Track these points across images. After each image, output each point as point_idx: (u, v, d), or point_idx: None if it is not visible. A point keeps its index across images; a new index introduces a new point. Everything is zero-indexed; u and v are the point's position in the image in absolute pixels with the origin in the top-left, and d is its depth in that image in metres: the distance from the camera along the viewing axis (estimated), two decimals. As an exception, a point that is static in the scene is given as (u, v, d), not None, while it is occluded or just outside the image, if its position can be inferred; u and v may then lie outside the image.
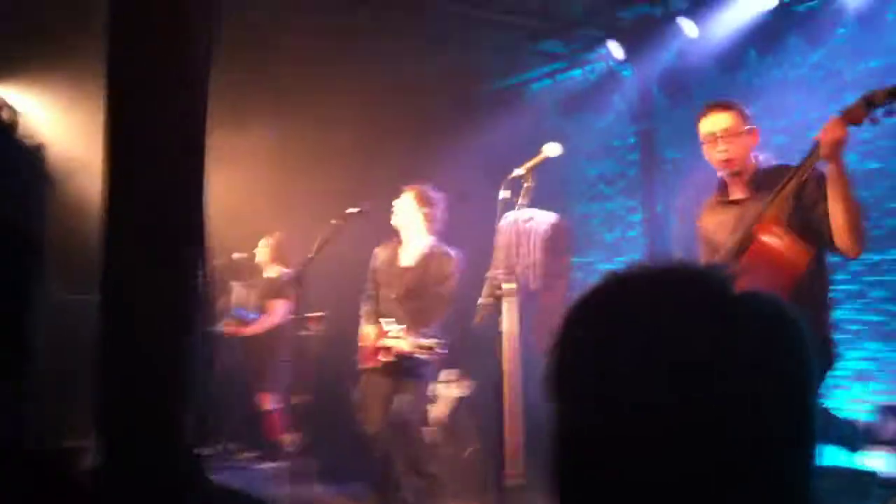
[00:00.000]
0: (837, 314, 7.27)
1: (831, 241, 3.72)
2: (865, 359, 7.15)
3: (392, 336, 5.72)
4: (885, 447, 6.42)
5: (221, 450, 8.04)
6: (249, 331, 7.62)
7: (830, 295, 4.00)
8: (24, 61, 7.84)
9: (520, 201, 4.14)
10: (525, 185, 4.15)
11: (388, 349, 5.76)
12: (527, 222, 7.61)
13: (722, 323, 0.90)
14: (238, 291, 7.78)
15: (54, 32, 7.81)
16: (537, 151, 4.20)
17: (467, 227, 7.22)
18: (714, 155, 4.02)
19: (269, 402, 7.76)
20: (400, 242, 6.06)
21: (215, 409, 7.38)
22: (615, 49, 7.77)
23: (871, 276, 7.13)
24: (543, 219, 7.72)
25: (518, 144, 7.17)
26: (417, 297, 5.90)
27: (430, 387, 8.51)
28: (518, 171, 4.14)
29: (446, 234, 6.17)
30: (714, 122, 4.03)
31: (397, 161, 6.23)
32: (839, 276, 7.30)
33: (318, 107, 8.94)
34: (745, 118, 4.03)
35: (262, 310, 7.75)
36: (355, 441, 6.50)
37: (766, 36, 7.04)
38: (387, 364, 5.83)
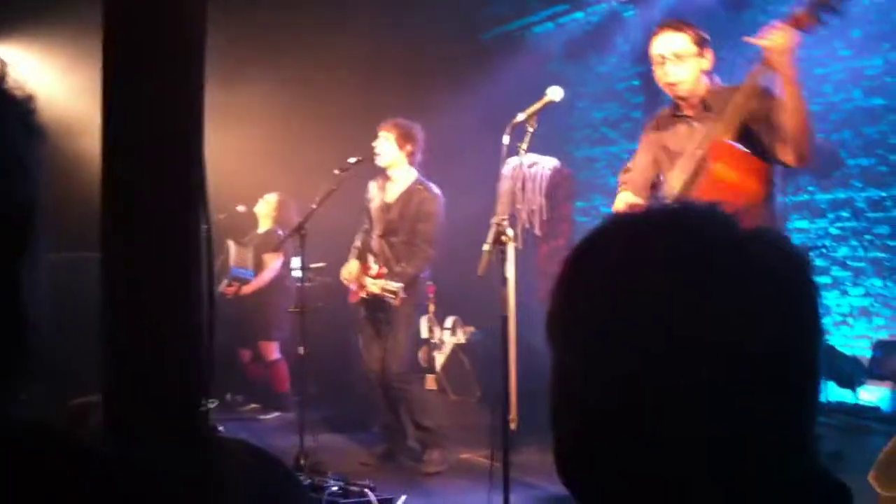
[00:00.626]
0: (841, 251, 7.31)
1: (780, 153, 3.62)
2: (868, 295, 7.16)
3: (369, 278, 5.80)
4: (886, 382, 6.47)
5: (227, 401, 8.12)
6: (248, 289, 7.65)
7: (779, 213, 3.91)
8: (22, 20, 7.76)
9: (523, 147, 4.10)
10: (528, 130, 4.10)
11: (365, 288, 5.85)
12: (530, 167, 7.59)
13: (729, 263, 0.88)
14: (235, 250, 7.78)
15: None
16: (540, 96, 4.15)
17: (471, 173, 7.20)
18: (660, 76, 3.89)
19: (273, 353, 7.81)
20: (388, 178, 6.08)
21: (219, 362, 7.43)
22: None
23: (875, 213, 7.11)
24: (547, 164, 7.69)
25: (521, 89, 7.10)
26: (397, 233, 5.93)
27: (435, 333, 8.58)
28: (521, 116, 4.09)
29: (429, 163, 6.17)
30: (663, 43, 3.88)
31: (398, 110, 6.17)
32: (843, 213, 7.31)
33: (316, 57, 8.85)
34: (697, 41, 3.88)
35: (258, 266, 7.77)
36: (362, 389, 6.56)
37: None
38: (365, 301, 5.93)
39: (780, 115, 3.57)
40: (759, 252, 0.90)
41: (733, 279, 0.87)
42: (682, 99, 3.91)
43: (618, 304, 0.89)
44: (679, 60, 3.85)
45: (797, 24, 3.53)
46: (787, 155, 3.61)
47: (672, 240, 0.91)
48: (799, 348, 0.89)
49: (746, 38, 3.70)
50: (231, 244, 7.77)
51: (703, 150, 3.71)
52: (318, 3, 8.22)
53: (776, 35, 3.53)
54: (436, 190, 5.97)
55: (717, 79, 3.96)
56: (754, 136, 3.72)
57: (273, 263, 7.66)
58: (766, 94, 3.69)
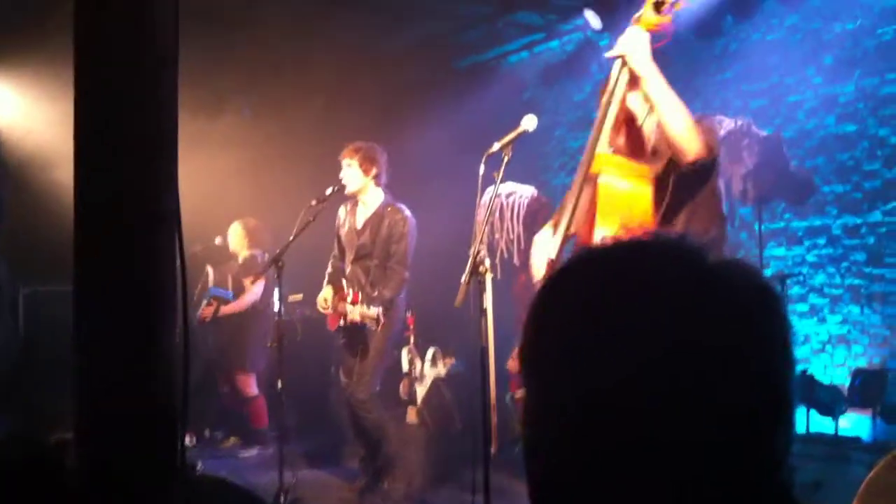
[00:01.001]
0: (818, 278, 7.35)
1: (672, 152, 3.52)
2: (846, 322, 7.18)
3: (348, 306, 5.76)
4: (867, 411, 6.47)
5: (206, 437, 8.01)
6: (228, 309, 7.55)
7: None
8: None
9: (499, 176, 4.09)
10: (504, 158, 4.10)
11: (343, 315, 5.81)
12: (508, 196, 7.59)
13: (695, 297, 0.88)
14: (215, 274, 7.72)
15: (26, 22, 7.71)
16: (516, 125, 4.15)
17: (447, 202, 7.19)
18: None
19: (251, 388, 7.71)
20: (357, 203, 6.07)
21: (198, 395, 7.34)
22: (592, 18, 7.72)
23: (851, 240, 7.15)
24: (524, 192, 7.69)
25: (496, 118, 7.13)
26: (370, 257, 5.90)
27: (416, 365, 8.52)
28: (496, 146, 4.09)
29: (404, 192, 6.16)
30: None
31: (374, 138, 6.17)
32: (819, 240, 7.35)
33: (292, 84, 8.86)
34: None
35: (238, 290, 7.70)
36: (341, 422, 6.49)
37: (742, 0, 7.01)
38: (344, 329, 5.89)
39: (658, 112, 3.52)
40: (728, 283, 0.90)
41: (701, 311, 0.87)
42: None
43: (589, 335, 0.90)
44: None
45: (643, 23, 3.55)
46: (678, 148, 3.49)
47: (640, 270, 0.91)
48: (769, 377, 0.89)
49: (606, 55, 3.67)
50: (210, 269, 7.70)
51: (584, 168, 3.64)
52: (294, 32, 8.21)
53: (624, 39, 3.55)
54: (406, 211, 5.95)
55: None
56: (640, 142, 3.72)
57: (254, 288, 7.57)
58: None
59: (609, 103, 3.65)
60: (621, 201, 3.59)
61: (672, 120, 3.48)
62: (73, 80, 1.75)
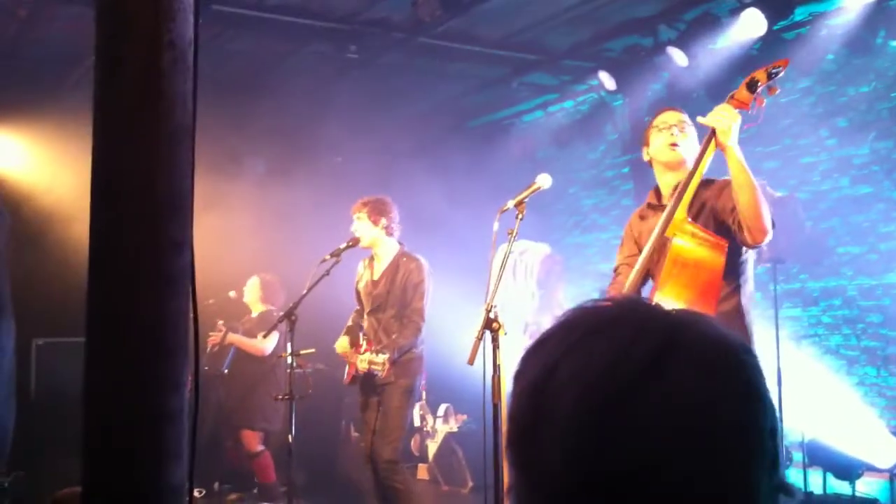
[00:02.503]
0: (834, 340, 7.30)
1: (739, 233, 3.66)
2: (862, 384, 7.12)
3: (358, 355, 5.74)
4: (884, 474, 6.38)
5: (215, 490, 7.95)
6: (235, 339, 7.54)
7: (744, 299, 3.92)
8: (11, 109, 7.88)
9: (514, 233, 4.11)
10: (518, 216, 4.12)
11: (355, 365, 5.80)
12: (521, 254, 7.60)
13: (657, 368, 0.88)
14: (226, 327, 7.73)
15: (42, 81, 7.88)
16: (530, 183, 4.18)
17: (462, 259, 7.21)
18: (665, 139, 4.01)
19: (256, 445, 7.66)
20: (374, 257, 6.10)
21: (207, 449, 7.30)
22: (606, 79, 7.81)
23: (866, 301, 7.11)
24: (537, 250, 7.70)
25: (511, 176, 7.18)
26: (386, 307, 5.90)
27: (427, 421, 8.48)
28: (510, 203, 4.12)
29: (407, 240, 6.19)
30: (672, 116, 4.09)
31: (390, 196, 6.22)
32: (835, 301, 7.31)
33: (307, 144, 8.98)
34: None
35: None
36: (351, 479, 6.44)
37: (756, 63, 7.06)
38: (359, 383, 5.86)
39: (737, 191, 3.63)
40: (692, 358, 0.89)
41: (634, 412, 0.86)
42: (674, 168, 3.96)
43: (550, 401, 0.90)
44: (682, 133, 4.00)
45: (738, 103, 3.71)
46: (742, 232, 3.64)
47: (601, 340, 0.91)
48: (722, 468, 0.87)
49: (699, 119, 3.81)
50: (221, 323, 7.70)
51: (661, 230, 3.77)
52: (309, 94, 8.34)
53: (720, 114, 3.67)
54: (422, 260, 5.98)
55: None
56: (712, 216, 3.82)
57: (268, 345, 7.57)
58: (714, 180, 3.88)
59: (694, 173, 3.76)
60: (694, 268, 3.64)
61: (750, 201, 3.59)
62: (91, 142, 1.78)
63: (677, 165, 4.00)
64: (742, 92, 3.73)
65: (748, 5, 6.47)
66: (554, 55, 8.16)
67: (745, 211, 3.60)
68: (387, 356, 5.55)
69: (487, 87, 9.16)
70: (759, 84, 3.72)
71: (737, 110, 3.68)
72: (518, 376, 0.97)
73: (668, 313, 0.95)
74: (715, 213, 3.82)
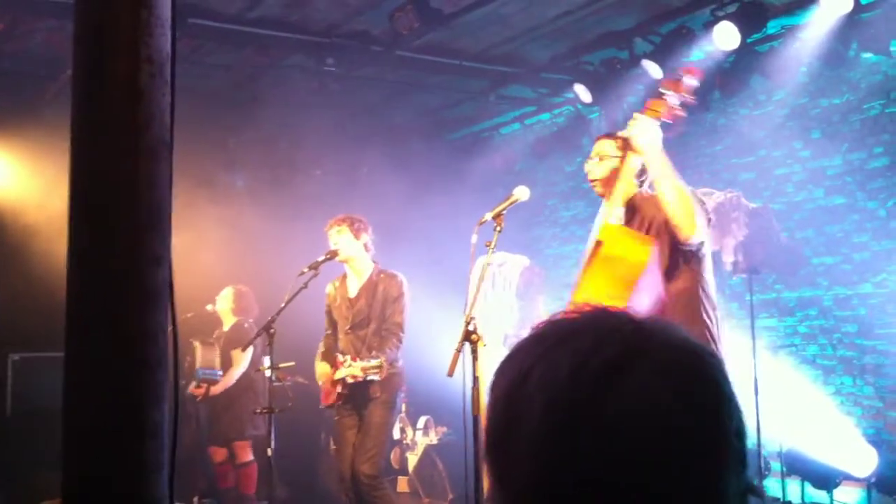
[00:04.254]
0: (810, 350, 7.36)
1: (671, 231, 3.82)
2: (838, 394, 7.17)
3: (344, 367, 5.68)
4: (862, 483, 6.42)
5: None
6: (217, 389, 7.49)
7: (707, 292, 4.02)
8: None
9: (492, 245, 4.13)
10: (496, 228, 4.14)
11: (343, 382, 5.73)
12: (500, 266, 7.62)
13: (618, 374, 0.89)
14: (201, 351, 7.66)
15: (20, 95, 7.84)
16: (508, 195, 4.21)
17: (441, 271, 7.22)
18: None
19: (247, 455, 7.62)
20: (346, 275, 6.09)
21: (187, 464, 7.26)
22: (582, 92, 7.86)
23: (842, 311, 7.17)
24: (516, 262, 7.73)
25: (489, 188, 7.20)
26: (367, 323, 5.90)
27: (407, 433, 8.47)
28: (488, 215, 4.14)
29: (385, 253, 6.22)
30: (594, 147, 4.27)
31: (366, 208, 6.23)
32: (811, 311, 7.37)
33: (286, 156, 8.97)
34: (622, 147, 4.19)
35: (227, 363, 7.63)
36: (331, 494, 6.42)
37: (729, 76, 7.15)
38: (344, 396, 5.81)
39: (660, 194, 3.81)
40: (656, 367, 0.90)
41: (596, 415, 0.88)
42: (600, 195, 4.18)
43: (506, 418, 0.93)
44: (599, 161, 4.18)
45: (652, 113, 3.87)
46: (675, 228, 3.79)
47: (557, 355, 0.92)
48: (683, 472, 0.88)
49: (620, 133, 4.02)
50: (197, 344, 7.65)
51: (593, 237, 3.95)
52: (287, 108, 8.34)
53: (633, 124, 3.87)
54: (400, 276, 5.98)
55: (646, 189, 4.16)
56: (644, 217, 3.98)
57: (241, 360, 7.53)
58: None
59: (618, 180, 3.96)
60: (612, 263, 3.80)
61: (674, 203, 3.77)
62: (70, 156, 1.78)
63: (601, 193, 4.18)
64: (655, 101, 3.89)
65: (722, 18, 6.54)
66: (532, 68, 8.21)
67: (669, 210, 3.78)
68: (382, 358, 5.53)
69: (466, 99, 9.20)
70: (669, 93, 3.89)
71: (652, 119, 3.84)
72: (493, 387, 0.98)
73: (632, 321, 0.96)
74: (659, 221, 3.94)
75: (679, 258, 3.91)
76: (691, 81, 3.97)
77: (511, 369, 0.96)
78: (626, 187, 3.97)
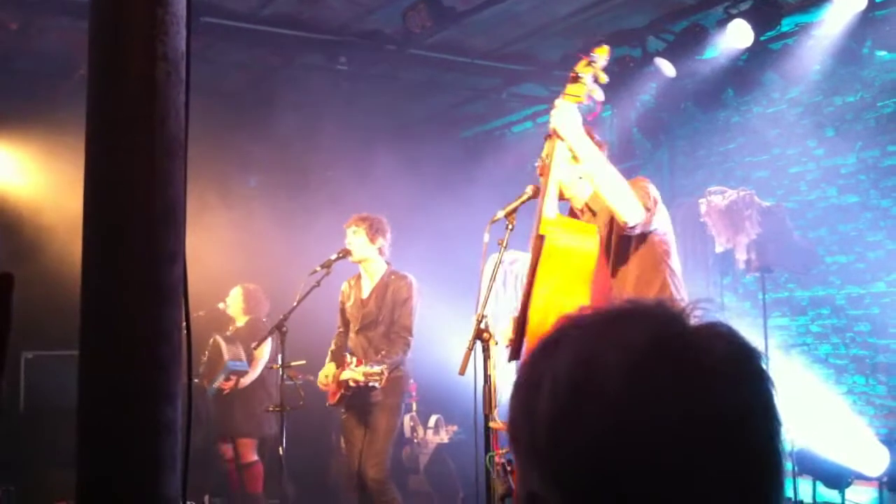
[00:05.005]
0: (823, 349, 7.33)
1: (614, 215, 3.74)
2: (851, 393, 7.14)
3: (349, 369, 5.71)
4: (874, 483, 6.40)
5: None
6: (246, 381, 7.51)
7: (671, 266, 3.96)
8: (2, 121, 7.86)
9: (504, 243, 4.12)
10: (508, 227, 4.13)
11: (346, 384, 5.75)
12: (511, 264, 7.61)
13: (672, 365, 0.89)
14: (226, 346, 7.67)
15: (34, 94, 7.87)
16: (520, 193, 4.20)
17: (452, 269, 7.21)
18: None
19: (251, 454, 7.62)
20: (360, 276, 6.10)
21: (199, 462, 7.28)
22: (594, 90, 7.83)
23: (855, 310, 7.14)
24: (527, 261, 7.71)
25: (502, 187, 7.18)
26: (375, 325, 5.91)
27: (418, 432, 8.47)
28: (500, 214, 4.13)
29: (408, 260, 6.24)
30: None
31: (379, 206, 6.23)
32: (823, 310, 7.34)
33: (298, 155, 8.98)
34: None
35: (250, 359, 7.65)
36: (341, 492, 6.42)
37: (743, 74, 7.13)
38: (345, 398, 5.82)
39: (591, 181, 3.77)
40: (706, 349, 0.90)
41: (680, 383, 0.88)
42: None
43: (573, 397, 0.90)
44: (545, 158, 4.03)
45: (571, 97, 3.80)
46: (616, 215, 3.69)
47: (616, 337, 0.91)
48: (751, 444, 0.89)
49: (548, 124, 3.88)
50: (220, 340, 7.66)
51: (534, 231, 3.80)
52: (300, 107, 8.35)
53: (553, 112, 3.80)
54: (410, 277, 5.98)
55: None
56: (588, 207, 3.95)
57: (262, 355, 7.54)
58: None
59: (549, 172, 3.83)
60: (562, 256, 3.71)
61: (605, 186, 3.69)
62: (85, 154, 1.79)
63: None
64: (570, 86, 3.83)
65: (735, 16, 6.51)
66: (544, 66, 8.19)
67: (603, 196, 3.70)
68: (383, 366, 5.56)
69: (478, 97, 9.19)
70: (582, 75, 3.82)
71: (572, 104, 3.78)
72: (535, 375, 0.96)
73: (672, 303, 0.96)
74: (591, 204, 3.95)
75: (629, 244, 3.86)
76: (602, 58, 3.89)
77: (562, 357, 0.93)
78: (559, 177, 3.88)
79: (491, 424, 3.81)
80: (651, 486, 0.86)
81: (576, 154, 3.79)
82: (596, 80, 3.87)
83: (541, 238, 3.78)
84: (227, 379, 7.47)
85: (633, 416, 0.87)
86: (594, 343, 0.92)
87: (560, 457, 0.90)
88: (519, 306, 3.84)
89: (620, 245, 3.90)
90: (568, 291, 3.65)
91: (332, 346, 6.15)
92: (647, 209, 3.70)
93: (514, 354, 3.76)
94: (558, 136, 3.81)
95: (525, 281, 3.86)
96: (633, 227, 3.69)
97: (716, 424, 0.87)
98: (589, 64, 3.87)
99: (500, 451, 3.73)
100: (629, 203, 3.66)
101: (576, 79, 3.84)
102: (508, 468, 3.70)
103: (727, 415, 0.88)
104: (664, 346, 0.89)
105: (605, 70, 3.91)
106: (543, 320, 3.62)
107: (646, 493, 0.86)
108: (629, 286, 3.86)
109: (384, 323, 5.89)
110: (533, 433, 0.94)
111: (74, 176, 1.87)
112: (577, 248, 3.73)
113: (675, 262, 3.99)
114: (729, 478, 0.87)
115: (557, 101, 3.81)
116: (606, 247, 3.91)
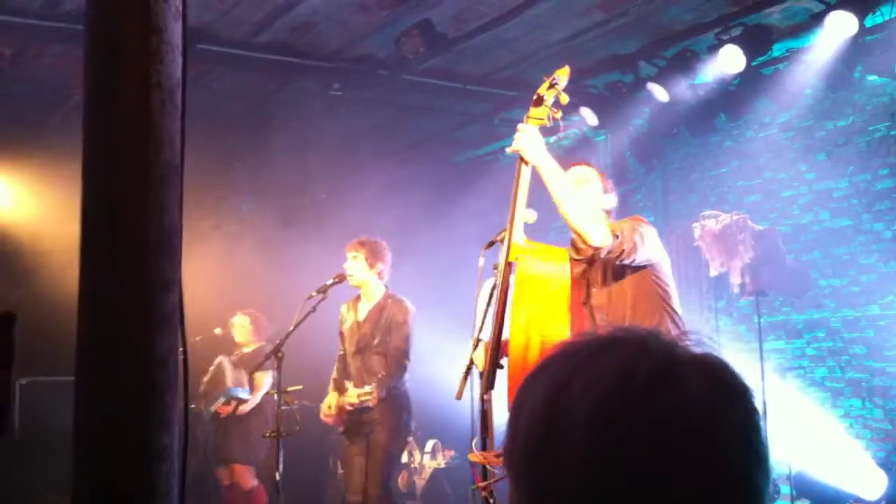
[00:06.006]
0: (819, 372, 7.33)
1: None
2: (847, 416, 7.13)
3: (347, 394, 5.75)
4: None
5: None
6: (245, 408, 7.49)
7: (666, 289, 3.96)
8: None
9: (499, 268, 4.13)
10: (503, 251, 4.14)
11: (344, 409, 5.77)
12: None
13: (668, 377, 0.90)
14: (231, 371, 7.65)
15: (27, 120, 7.89)
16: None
17: (446, 295, 7.22)
18: None
19: (250, 480, 7.58)
20: (359, 298, 6.11)
21: (197, 486, 7.24)
22: (588, 115, 7.87)
23: (850, 333, 7.15)
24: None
25: (496, 211, 7.20)
26: (371, 347, 5.91)
27: (415, 457, 8.44)
28: (495, 238, 4.14)
29: (403, 284, 6.23)
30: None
31: (371, 231, 6.24)
32: (819, 333, 7.35)
33: (292, 180, 9.00)
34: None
35: (251, 385, 7.63)
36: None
37: (735, 99, 7.17)
38: (348, 423, 5.84)
39: (556, 203, 3.74)
40: (685, 384, 0.90)
41: (649, 418, 0.88)
42: None
43: (547, 427, 0.91)
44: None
45: (534, 121, 3.81)
46: (577, 237, 3.73)
47: (592, 367, 0.92)
48: (728, 478, 0.89)
49: (507, 149, 3.89)
50: (225, 362, 7.64)
51: (504, 259, 3.79)
52: (294, 128, 8.38)
53: (517, 136, 3.79)
54: (407, 302, 5.98)
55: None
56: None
57: (264, 382, 7.51)
58: None
59: (516, 197, 3.83)
60: (537, 284, 3.70)
61: (568, 208, 3.71)
62: (81, 181, 1.79)
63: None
64: (534, 109, 3.84)
65: (727, 42, 6.56)
66: (536, 92, 8.22)
67: (565, 217, 3.72)
68: (374, 385, 5.59)
69: (470, 122, 9.22)
70: (545, 97, 3.84)
71: (535, 127, 3.79)
72: (521, 403, 0.97)
73: (663, 334, 0.97)
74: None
75: (623, 276, 3.89)
76: (563, 80, 3.89)
77: (543, 383, 0.95)
78: (523, 203, 3.86)
79: (470, 457, 3.78)
80: (648, 486, 0.86)
81: (543, 177, 3.77)
82: (558, 102, 3.87)
83: (510, 265, 3.77)
84: (227, 403, 7.45)
85: (601, 450, 0.88)
86: (571, 372, 0.93)
87: (536, 482, 0.92)
88: (491, 335, 3.81)
89: (616, 277, 3.92)
90: (549, 319, 3.64)
91: (334, 374, 6.13)
92: (616, 236, 3.71)
93: (489, 384, 3.72)
94: (523, 160, 3.80)
95: (495, 309, 3.81)
96: (598, 249, 3.71)
97: (689, 458, 0.87)
98: (551, 86, 3.88)
99: (481, 484, 3.69)
100: (593, 225, 3.70)
101: (539, 101, 3.86)
102: (491, 501, 3.67)
103: (701, 449, 0.88)
104: (638, 378, 0.90)
105: (569, 90, 3.92)
106: (525, 350, 3.60)
107: None
108: (626, 319, 3.87)
109: (379, 346, 5.89)
110: (512, 457, 0.96)
111: (70, 202, 1.88)
112: (551, 274, 3.73)
113: (676, 303, 4.01)
114: (719, 473, 0.88)
115: (520, 126, 3.82)
116: (604, 275, 3.95)
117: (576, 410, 0.90)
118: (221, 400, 7.44)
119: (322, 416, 5.98)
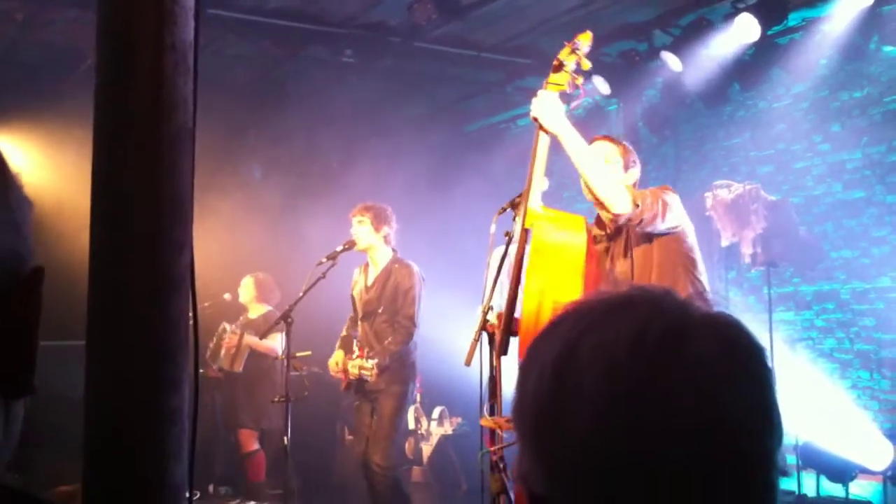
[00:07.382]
0: (827, 343, 7.33)
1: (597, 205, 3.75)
2: (855, 388, 7.14)
3: (351, 361, 5.78)
4: (877, 477, 6.41)
5: (210, 493, 7.94)
6: (251, 341, 7.41)
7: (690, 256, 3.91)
8: (9, 112, 7.87)
9: (510, 235, 4.12)
10: (515, 218, 4.14)
11: (347, 372, 5.82)
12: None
13: (680, 338, 0.88)
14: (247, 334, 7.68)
15: (40, 85, 7.88)
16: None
17: (458, 260, 7.23)
18: None
19: (252, 444, 7.62)
20: (368, 263, 6.13)
21: (205, 451, 7.31)
22: (601, 84, 7.82)
23: (860, 305, 7.14)
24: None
25: (508, 180, 7.20)
26: (378, 313, 5.92)
27: (422, 423, 8.49)
28: (507, 205, 4.13)
29: (415, 251, 6.24)
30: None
31: (384, 198, 6.24)
32: (828, 305, 7.34)
33: (304, 147, 8.99)
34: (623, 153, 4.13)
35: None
36: (346, 483, 6.44)
37: (749, 69, 7.11)
38: (352, 385, 5.87)
39: (576, 168, 3.70)
40: (697, 346, 0.88)
41: (657, 384, 0.86)
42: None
43: (555, 391, 0.89)
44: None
45: (554, 87, 3.77)
46: (598, 203, 3.70)
47: (603, 329, 0.90)
48: (740, 444, 0.87)
49: (531, 114, 3.82)
50: (228, 328, 7.67)
51: (520, 225, 3.76)
52: (305, 95, 8.37)
53: (535, 102, 3.75)
54: (414, 267, 5.98)
55: None
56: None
57: (275, 344, 7.50)
58: None
59: (534, 163, 3.79)
60: (553, 251, 3.69)
61: (590, 175, 3.65)
62: (93, 144, 1.79)
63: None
64: (553, 75, 3.79)
65: (742, 11, 6.50)
66: (549, 60, 8.17)
67: (590, 186, 3.67)
68: (376, 361, 5.60)
69: (483, 91, 9.18)
70: (566, 63, 3.79)
71: (554, 93, 3.74)
72: (529, 363, 0.95)
73: (678, 293, 0.95)
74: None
75: (634, 237, 3.84)
76: (585, 45, 3.85)
77: (553, 342, 0.93)
78: (541, 170, 3.83)
79: (482, 422, 3.79)
80: (637, 486, 0.85)
81: (563, 145, 3.72)
82: (579, 68, 3.83)
83: (526, 231, 3.76)
84: (233, 332, 7.49)
85: (611, 416, 0.86)
86: (582, 335, 0.91)
87: (544, 447, 0.90)
88: (505, 301, 3.81)
89: (640, 245, 3.88)
90: (562, 286, 3.63)
91: (343, 332, 6.17)
92: (637, 204, 3.65)
93: (502, 349, 3.74)
94: (541, 127, 3.76)
95: (511, 275, 3.82)
96: (618, 216, 3.67)
97: (700, 423, 0.85)
98: (573, 52, 3.83)
99: (493, 448, 3.71)
100: (614, 193, 3.65)
101: (559, 67, 3.81)
102: (501, 465, 3.69)
103: (712, 414, 0.86)
104: (649, 341, 0.88)
105: (589, 57, 3.87)
106: (537, 316, 3.61)
107: (632, 494, 0.85)
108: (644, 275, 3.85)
109: (385, 311, 5.89)
110: (522, 419, 0.94)
111: (81, 167, 1.88)
112: (568, 242, 3.71)
113: (702, 271, 3.97)
114: (718, 479, 0.86)
115: (539, 92, 3.77)
116: (626, 246, 3.92)
117: (586, 373, 0.88)
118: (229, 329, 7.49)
119: (331, 372, 6.02)
